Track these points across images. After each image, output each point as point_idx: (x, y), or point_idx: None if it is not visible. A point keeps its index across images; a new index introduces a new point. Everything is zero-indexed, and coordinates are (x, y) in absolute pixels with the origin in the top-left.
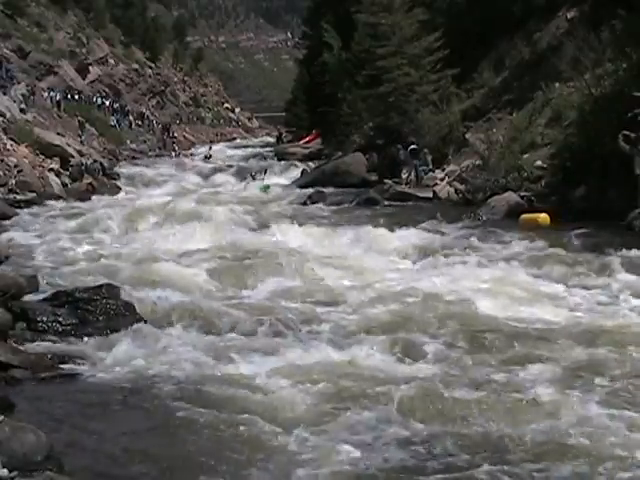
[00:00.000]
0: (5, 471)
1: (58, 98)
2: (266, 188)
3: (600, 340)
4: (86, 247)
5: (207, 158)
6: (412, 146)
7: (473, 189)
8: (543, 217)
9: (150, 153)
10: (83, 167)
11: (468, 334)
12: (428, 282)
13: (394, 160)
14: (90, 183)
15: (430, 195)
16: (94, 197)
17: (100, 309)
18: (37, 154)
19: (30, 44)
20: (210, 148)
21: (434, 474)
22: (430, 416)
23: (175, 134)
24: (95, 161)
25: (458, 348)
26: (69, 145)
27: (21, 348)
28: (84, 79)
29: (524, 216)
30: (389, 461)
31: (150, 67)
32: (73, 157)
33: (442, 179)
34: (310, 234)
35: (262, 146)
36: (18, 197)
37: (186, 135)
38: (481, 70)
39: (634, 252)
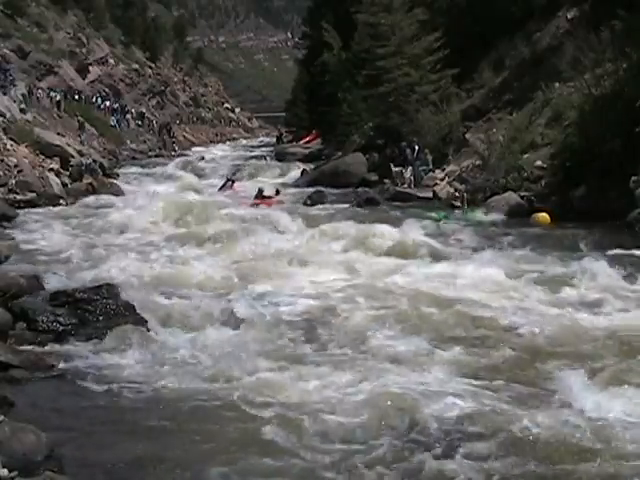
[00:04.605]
0: (5, 471)
1: (58, 98)
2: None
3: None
4: (86, 247)
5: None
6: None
7: (473, 189)
8: (542, 216)
9: (150, 153)
10: (83, 167)
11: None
12: (428, 282)
13: (396, 160)
14: (90, 183)
15: (430, 195)
16: (94, 197)
17: (100, 309)
18: (37, 154)
19: (30, 44)
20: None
21: None
22: None
23: (175, 134)
24: (95, 161)
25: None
26: (69, 145)
27: (21, 348)
28: (84, 79)
29: (535, 215)
30: None
31: (150, 67)
32: (73, 157)
33: (442, 179)
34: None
35: (262, 146)
36: (18, 197)
37: (186, 135)
38: (481, 70)
39: (634, 252)
